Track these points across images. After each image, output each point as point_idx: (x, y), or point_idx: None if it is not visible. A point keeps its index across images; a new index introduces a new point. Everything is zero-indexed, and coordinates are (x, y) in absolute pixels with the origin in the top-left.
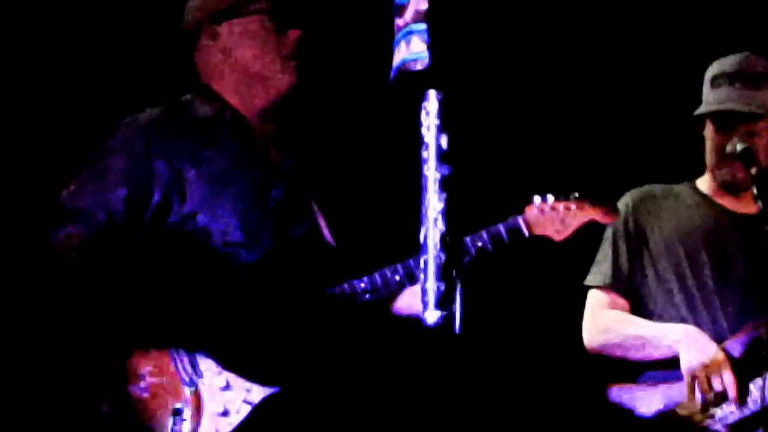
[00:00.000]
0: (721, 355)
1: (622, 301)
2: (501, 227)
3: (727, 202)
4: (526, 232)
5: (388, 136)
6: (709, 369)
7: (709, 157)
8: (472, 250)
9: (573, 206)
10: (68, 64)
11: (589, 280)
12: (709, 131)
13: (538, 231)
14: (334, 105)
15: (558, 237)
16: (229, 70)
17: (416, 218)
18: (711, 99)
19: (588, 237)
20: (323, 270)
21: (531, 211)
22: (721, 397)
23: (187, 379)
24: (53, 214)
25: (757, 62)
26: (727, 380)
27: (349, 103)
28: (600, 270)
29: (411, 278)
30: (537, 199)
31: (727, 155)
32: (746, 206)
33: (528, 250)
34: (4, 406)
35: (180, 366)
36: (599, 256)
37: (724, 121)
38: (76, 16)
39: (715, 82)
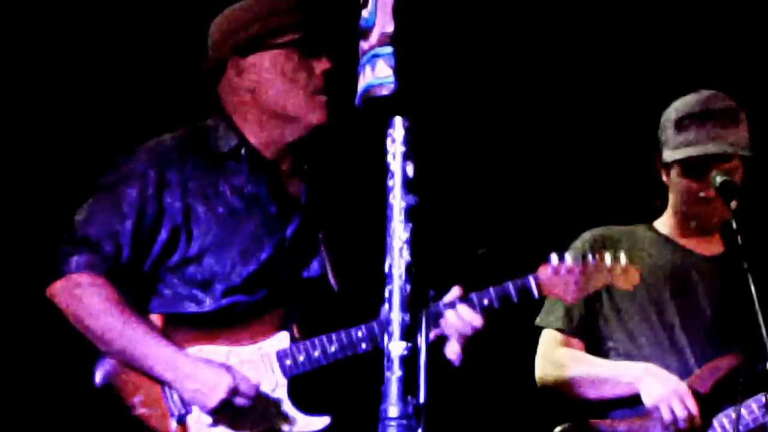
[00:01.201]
0: (682, 386)
1: (577, 342)
2: (511, 288)
3: (689, 244)
4: (536, 294)
5: (353, 164)
6: (671, 398)
7: (680, 202)
8: (478, 308)
9: (591, 268)
10: (89, 81)
11: (542, 321)
12: (677, 175)
13: (549, 292)
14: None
15: (569, 298)
16: (254, 107)
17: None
18: (681, 142)
19: None
20: (324, 312)
21: (545, 272)
22: (692, 428)
23: (175, 412)
24: (66, 238)
25: (721, 99)
26: (690, 406)
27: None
28: (553, 313)
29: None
30: (554, 258)
31: (701, 199)
32: (709, 247)
33: None
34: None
35: (169, 399)
36: (550, 298)
37: (697, 164)
38: (100, 35)
39: (682, 123)
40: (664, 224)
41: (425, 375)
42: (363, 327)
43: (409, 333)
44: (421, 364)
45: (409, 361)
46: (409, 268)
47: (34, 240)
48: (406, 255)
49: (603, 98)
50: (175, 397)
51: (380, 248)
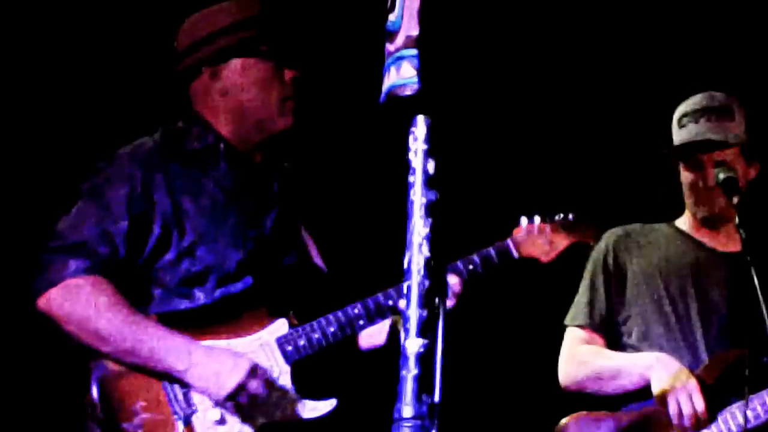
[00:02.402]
0: (692, 380)
1: (599, 339)
2: (492, 250)
3: (707, 240)
4: (515, 254)
5: (376, 161)
6: (678, 392)
7: (687, 195)
8: (464, 273)
9: (559, 227)
10: (57, 85)
11: (568, 319)
12: (682, 170)
13: (527, 252)
14: (323, 129)
15: (545, 258)
16: (225, 108)
17: (402, 243)
18: (679, 138)
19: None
20: (314, 296)
21: (519, 233)
22: (697, 423)
23: (180, 413)
24: (56, 245)
25: (718, 97)
26: (696, 402)
27: (338, 127)
28: (578, 309)
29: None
30: (524, 220)
31: (703, 188)
32: (726, 243)
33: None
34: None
35: (173, 400)
36: (578, 296)
37: (691, 157)
38: (63, 43)
39: (682, 121)
40: (684, 222)
41: (441, 373)
42: (359, 304)
43: (425, 330)
44: (437, 362)
45: (424, 359)
46: (428, 263)
47: (13, 252)
48: (426, 251)
49: (625, 98)
50: (180, 396)
51: (366, 227)
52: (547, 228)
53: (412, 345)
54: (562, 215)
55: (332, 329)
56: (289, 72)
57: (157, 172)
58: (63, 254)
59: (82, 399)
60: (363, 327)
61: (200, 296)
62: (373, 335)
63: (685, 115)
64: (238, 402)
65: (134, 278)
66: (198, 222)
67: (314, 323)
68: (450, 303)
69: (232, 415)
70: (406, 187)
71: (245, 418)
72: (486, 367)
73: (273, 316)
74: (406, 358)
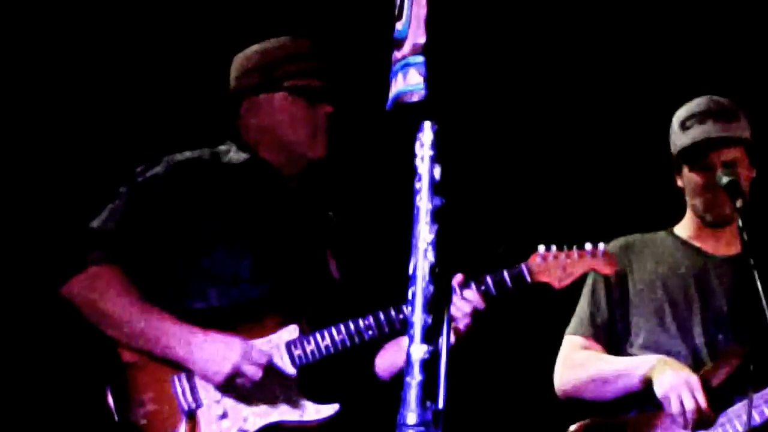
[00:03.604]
0: (693, 378)
1: (598, 347)
2: (505, 273)
3: (708, 246)
4: (529, 279)
5: (382, 167)
6: (680, 387)
7: (692, 197)
8: (477, 294)
9: (575, 255)
10: (113, 96)
11: (569, 330)
12: (687, 172)
13: (540, 278)
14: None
15: (558, 285)
16: (264, 140)
17: (408, 249)
18: (683, 140)
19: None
20: (330, 307)
21: (534, 260)
22: (701, 421)
23: (185, 406)
24: (83, 236)
25: (721, 101)
26: (699, 398)
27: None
28: (579, 320)
29: None
30: (541, 248)
31: (713, 189)
32: (727, 248)
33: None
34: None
35: (180, 393)
36: (579, 307)
37: (701, 157)
38: (133, 52)
39: (686, 124)
40: (683, 229)
41: (445, 379)
42: (369, 316)
43: (430, 336)
44: (442, 369)
45: (429, 366)
46: (433, 269)
47: (46, 241)
48: (431, 256)
49: (628, 107)
50: (187, 391)
51: (384, 245)
52: (563, 255)
53: (417, 351)
54: (578, 245)
55: (341, 337)
56: (322, 107)
57: (189, 179)
58: (89, 244)
59: (102, 386)
60: (372, 337)
61: (215, 298)
62: (393, 359)
63: (689, 117)
64: (237, 385)
65: (154, 273)
66: (219, 226)
67: (324, 331)
68: (466, 321)
69: (235, 407)
70: (412, 193)
71: (247, 412)
72: (490, 375)
73: (285, 322)
74: (411, 365)
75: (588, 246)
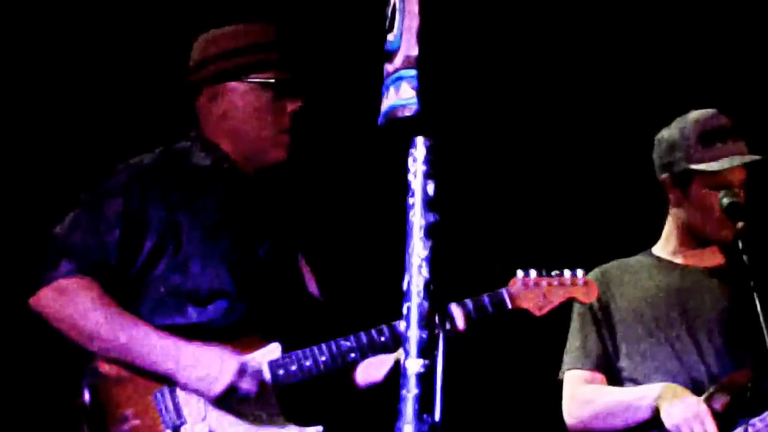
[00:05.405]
0: (702, 406)
1: (599, 377)
2: (486, 298)
3: (690, 260)
4: (509, 305)
5: (375, 183)
6: (691, 420)
7: (702, 217)
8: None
9: (555, 283)
10: (63, 101)
11: (564, 367)
12: (700, 187)
13: (520, 304)
14: (322, 149)
15: (538, 312)
16: (223, 130)
17: (401, 267)
18: (710, 156)
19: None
20: (309, 325)
21: (515, 285)
22: None
23: (169, 423)
24: (48, 248)
25: (722, 117)
26: (709, 429)
27: (337, 147)
28: (572, 354)
29: (396, 342)
30: (520, 273)
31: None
32: (710, 259)
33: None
34: None
35: (163, 410)
36: (569, 343)
37: (722, 179)
38: (84, 47)
39: (707, 138)
40: (663, 247)
41: (441, 393)
42: (351, 337)
43: (425, 350)
44: (438, 382)
45: (425, 379)
46: (427, 285)
47: (12, 253)
48: (425, 272)
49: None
50: (170, 407)
51: (364, 260)
52: (543, 282)
53: (413, 365)
54: (558, 271)
55: (324, 359)
56: (290, 104)
57: (155, 188)
58: (56, 256)
59: (75, 401)
60: (354, 360)
61: (193, 314)
62: (372, 372)
63: (707, 133)
64: (229, 402)
65: (128, 288)
66: (193, 239)
67: (307, 351)
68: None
69: (220, 426)
70: (405, 209)
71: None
72: (487, 388)
73: (264, 341)
74: (407, 378)
75: (567, 273)
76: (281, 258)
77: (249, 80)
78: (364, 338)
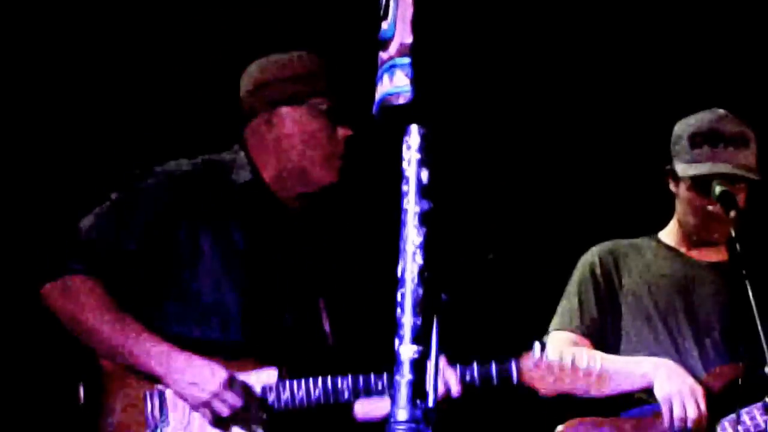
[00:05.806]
0: (699, 387)
1: (586, 342)
2: (493, 370)
3: (694, 253)
4: (516, 379)
5: (369, 170)
6: (686, 395)
7: (685, 213)
8: (459, 380)
9: (568, 368)
10: (115, 96)
11: (554, 325)
12: (686, 188)
13: (528, 381)
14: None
15: (543, 391)
16: (275, 155)
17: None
18: (692, 158)
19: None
20: (313, 360)
21: (526, 362)
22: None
23: (151, 423)
24: (68, 241)
25: (734, 122)
26: (702, 407)
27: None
28: (565, 314)
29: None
30: (537, 350)
31: (706, 212)
32: (713, 254)
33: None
34: None
35: (149, 409)
36: (563, 303)
37: (705, 180)
38: (137, 54)
39: (695, 140)
40: (669, 234)
41: (435, 379)
42: (349, 377)
43: (419, 337)
44: (431, 369)
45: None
46: (422, 272)
47: (34, 241)
48: (419, 259)
49: (612, 108)
50: (156, 408)
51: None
52: (556, 366)
53: (406, 351)
54: (576, 358)
55: (317, 393)
56: (342, 130)
57: (185, 199)
58: (70, 251)
59: (73, 390)
60: (347, 399)
61: (194, 326)
62: (373, 408)
63: (700, 134)
64: (215, 411)
65: (134, 292)
66: (209, 263)
67: (302, 381)
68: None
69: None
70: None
71: None
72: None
73: (264, 364)
74: (401, 364)
75: (583, 363)
76: (298, 292)
77: (305, 106)
78: (361, 382)
